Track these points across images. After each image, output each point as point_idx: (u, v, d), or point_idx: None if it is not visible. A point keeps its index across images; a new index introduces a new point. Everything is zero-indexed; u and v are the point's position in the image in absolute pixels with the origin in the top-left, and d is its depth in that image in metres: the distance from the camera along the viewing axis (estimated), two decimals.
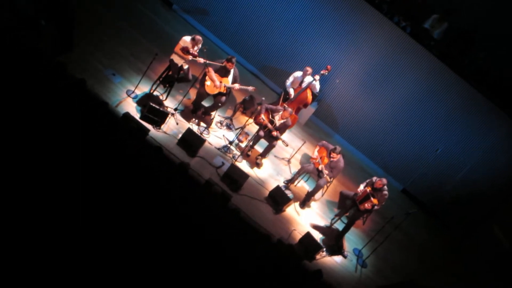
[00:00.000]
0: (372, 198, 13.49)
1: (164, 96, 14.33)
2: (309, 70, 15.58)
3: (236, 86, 14.38)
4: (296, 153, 15.56)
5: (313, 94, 15.80)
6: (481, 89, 15.84)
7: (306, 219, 14.33)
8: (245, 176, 13.66)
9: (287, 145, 14.42)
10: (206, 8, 17.36)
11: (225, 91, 14.34)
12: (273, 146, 14.51)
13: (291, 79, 15.66)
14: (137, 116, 13.37)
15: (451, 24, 16.46)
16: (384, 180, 13.78)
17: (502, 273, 16.66)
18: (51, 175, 10.72)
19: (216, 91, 14.27)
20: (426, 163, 17.04)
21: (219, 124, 14.98)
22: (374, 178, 13.93)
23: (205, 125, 14.54)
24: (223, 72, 14.29)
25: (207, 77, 14.20)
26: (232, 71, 14.37)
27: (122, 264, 10.31)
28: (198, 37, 14.04)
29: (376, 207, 13.57)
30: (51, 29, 13.30)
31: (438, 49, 16.06)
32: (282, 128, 14.45)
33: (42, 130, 11.28)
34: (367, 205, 13.50)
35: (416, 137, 16.92)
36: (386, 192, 13.76)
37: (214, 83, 14.17)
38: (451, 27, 16.50)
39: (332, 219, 14.66)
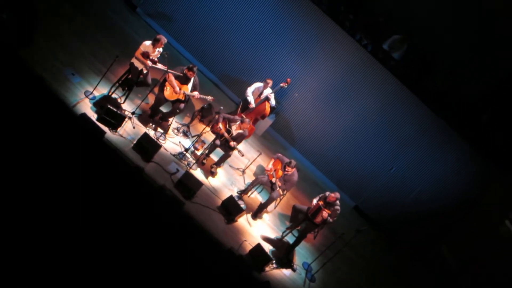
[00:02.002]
0: (324, 209, 13.57)
1: (122, 99, 14.23)
2: (270, 82, 15.66)
3: (195, 94, 14.37)
4: (251, 164, 15.58)
5: (271, 106, 15.85)
6: (438, 112, 16.09)
7: (258, 230, 14.34)
8: (199, 184, 13.61)
9: (242, 155, 14.45)
10: (169, 14, 17.33)
11: (183, 98, 14.30)
12: (229, 155, 14.50)
13: (252, 88, 15.69)
14: (93, 117, 13.24)
15: (410, 46, 16.69)
16: (337, 194, 13.86)
17: None
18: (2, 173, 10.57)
19: (174, 98, 14.24)
20: (380, 182, 17.24)
21: (176, 131, 14.92)
22: (327, 193, 14.02)
23: (162, 131, 14.47)
24: (183, 80, 14.26)
25: (166, 83, 14.16)
26: (192, 79, 14.35)
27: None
28: (161, 37, 13.94)
29: (330, 219, 13.63)
30: (12, 23, 13.11)
31: (398, 69, 16.26)
32: (239, 138, 14.45)
33: None
34: (323, 215, 13.54)
35: (371, 155, 17.11)
36: (338, 207, 13.84)
37: (173, 90, 14.13)
38: (410, 49, 16.74)
39: (284, 232, 14.69)
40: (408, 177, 17.07)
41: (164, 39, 13.97)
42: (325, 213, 13.55)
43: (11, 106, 11.53)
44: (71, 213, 10.79)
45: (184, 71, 14.20)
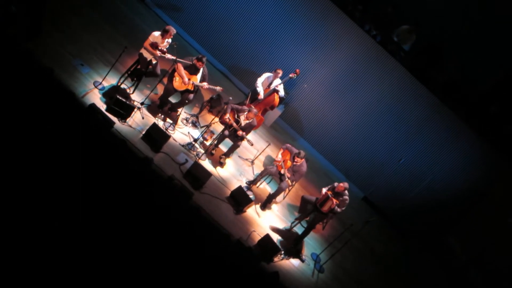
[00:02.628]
0: (333, 198, 13.58)
1: (132, 89, 14.24)
2: (280, 72, 15.62)
3: (204, 85, 14.34)
4: (260, 154, 15.57)
5: (280, 96, 15.83)
6: (447, 102, 16.04)
7: (266, 221, 14.34)
8: (207, 174, 13.62)
9: (252, 144, 14.43)
10: (178, 4, 17.30)
11: (192, 89, 14.30)
12: (238, 146, 14.50)
13: (262, 79, 15.68)
14: (103, 108, 13.25)
15: (419, 36, 16.63)
16: (346, 184, 13.84)
17: (455, 283, 16.91)
18: (12, 166, 10.58)
19: (183, 88, 14.23)
20: (388, 173, 17.21)
21: (184, 121, 14.93)
22: (336, 184, 14.00)
23: (170, 121, 14.48)
24: (192, 70, 14.25)
25: (175, 74, 14.16)
26: (201, 69, 14.34)
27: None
28: (170, 28, 13.93)
29: (337, 208, 13.62)
30: (21, 15, 13.13)
31: (407, 60, 16.21)
32: (248, 128, 14.45)
33: (5, 118, 11.14)
34: (331, 205, 13.55)
35: (380, 146, 17.07)
36: (347, 197, 13.83)
37: (182, 80, 14.13)
38: (420, 40, 16.68)
39: (292, 223, 14.70)
40: (417, 168, 17.03)
41: (173, 30, 13.96)
42: (332, 203, 13.56)
43: (21, 98, 11.57)
44: (80, 204, 10.82)
45: (193, 61, 14.19)
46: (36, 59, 12.53)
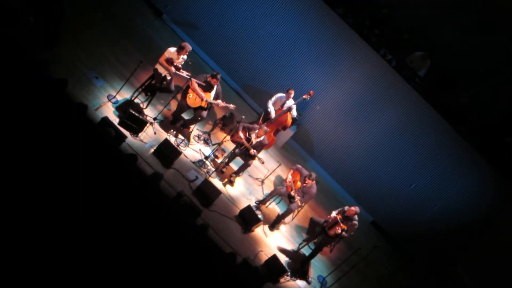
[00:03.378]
0: (341, 223, 13.50)
1: (145, 104, 14.28)
2: (292, 92, 15.60)
3: (218, 102, 14.37)
4: (270, 174, 15.54)
5: (293, 117, 15.82)
6: (460, 131, 15.97)
7: (274, 241, 14.30)
8: (217, 192, 13.62)
9: (263, 163, 14.45)
10: (195, 21, 17.35)
11: (206, 106, 14.32)
12: (248, 165, 14.49)
13: (273, 99, 15.68)
14: (115, 121, 13.29)
15: (435, 62, 16.61)
16: (357, 209, 13.77)
17: None
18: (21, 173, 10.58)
19: (197, 105, 14.26)
20: (398, 198, 17.09)
21: (196, 138, 14.94)
22: (346, 207, 13.94)
23: (182, 138, 14.50)
24: (206, 87, 14.28)
25: (189, 90, 14.19)
26: (215, 87, 14.37)
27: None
28: (186, 45, 13.96)
29: (344, 233, 13.54)
30: (38, 26, 13.22)
31: (421, 86, 16.17)
32: (259, 147, 14.43)
33: (15, 127, 11.13)
34: (336, 229, 13.47)
35: (391, 170, 16.97)
36: (356, 222, 13.75)
37: (196, 97, 14.15)
38: (434, 66, 16.65)
39: (300, 244, 14.64)
40: (427, 195, 16.92)
41: (189, 47, 14.00)
42: (338, 228, 13.48)
43: (33, 107, 11.58)
44: (87, 216, 10.78)
45: (208, 79, 14.22)
46: (51, 70, 12.58)
